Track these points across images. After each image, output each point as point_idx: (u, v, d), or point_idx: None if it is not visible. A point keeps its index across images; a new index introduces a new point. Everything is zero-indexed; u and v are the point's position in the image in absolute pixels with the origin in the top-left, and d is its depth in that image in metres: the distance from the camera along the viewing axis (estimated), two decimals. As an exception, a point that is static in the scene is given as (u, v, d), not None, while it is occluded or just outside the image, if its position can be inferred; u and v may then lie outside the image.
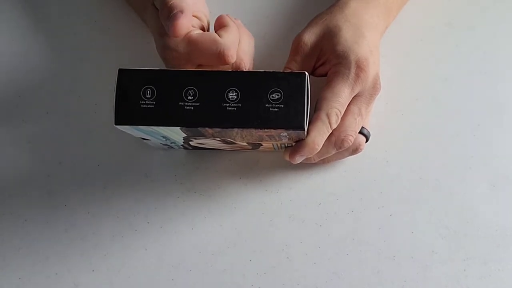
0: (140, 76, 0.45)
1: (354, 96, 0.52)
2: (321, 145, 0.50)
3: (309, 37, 0.53)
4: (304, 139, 0.49)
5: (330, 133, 0.51)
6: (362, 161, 0.58)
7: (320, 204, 0.56)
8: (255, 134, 0.46)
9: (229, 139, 0.48)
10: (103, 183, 0.57)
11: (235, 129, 0.45)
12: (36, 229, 0.55)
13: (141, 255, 0.54)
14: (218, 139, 0.49)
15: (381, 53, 0.55)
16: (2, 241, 0.55)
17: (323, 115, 0.49)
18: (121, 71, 0.46)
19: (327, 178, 0.58)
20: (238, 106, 0.44)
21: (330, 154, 0.54)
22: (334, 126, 0.50)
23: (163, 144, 0.54)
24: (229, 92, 0.44)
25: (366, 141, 0.56)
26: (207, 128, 0.45)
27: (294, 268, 0.54)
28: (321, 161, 0.56)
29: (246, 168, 0.58)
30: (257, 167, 0.58)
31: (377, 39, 0.56)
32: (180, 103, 0.44)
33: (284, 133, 0.45)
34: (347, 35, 0.52)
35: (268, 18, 0.64)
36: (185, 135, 0.48)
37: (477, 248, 0.55)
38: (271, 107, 0.44)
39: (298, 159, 0.51)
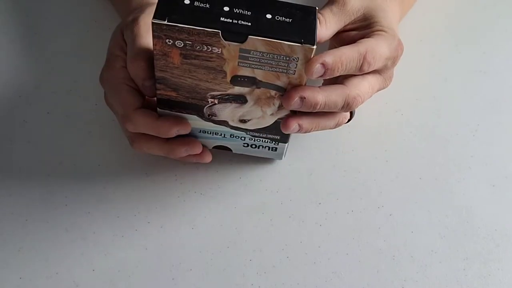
0: None
1: (377, 70, 0.50)
2: (345, 66, 0.47)
3: None
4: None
5: (345, 87, 0.48)
6: (362, 161, 0.58)
7: (320, 204, 0.57)
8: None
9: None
10: (103, 183, 0.57)
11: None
12: (36, 229, 0.55)
13: (142, 255, 0.54)
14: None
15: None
16: (2, 241, 0.55)
17: (362, 48, 0.47)
18: None
19: (327, 178, 0.58)
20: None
21: (333, 110, 0.50)
22: (366, 68, 0.48)
23: None
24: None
25: (349, 120, 0.53)
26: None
27: (294, 268, 0.54)
28: (308, 124, 0.51)
29: (246, 168, 0.58)
30: (257, 167, 0.58)
31: None
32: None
33: (294, 55, 0.44)
34: (391, 15, 0.52)
35: (268, 18, 0.64)
36: None
37: (477, 248, 0.55)
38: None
39: (316, 73, 0.45)
